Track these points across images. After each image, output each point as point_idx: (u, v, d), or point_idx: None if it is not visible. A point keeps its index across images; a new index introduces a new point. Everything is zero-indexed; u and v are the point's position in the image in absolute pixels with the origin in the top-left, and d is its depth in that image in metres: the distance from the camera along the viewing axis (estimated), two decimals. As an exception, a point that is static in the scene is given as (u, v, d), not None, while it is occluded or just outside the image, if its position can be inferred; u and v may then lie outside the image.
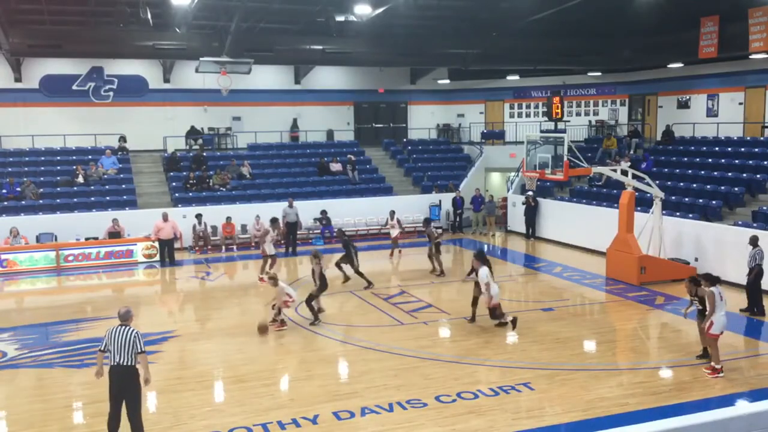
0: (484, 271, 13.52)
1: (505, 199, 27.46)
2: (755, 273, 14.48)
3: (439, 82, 31.60)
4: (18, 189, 23.04)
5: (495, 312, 13.62)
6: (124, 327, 8.70)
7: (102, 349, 8.71)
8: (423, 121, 32.27)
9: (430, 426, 9.39)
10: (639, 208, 18.88)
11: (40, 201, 23.07)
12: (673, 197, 20.34)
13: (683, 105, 26.43)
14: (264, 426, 9.39)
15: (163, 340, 13.50)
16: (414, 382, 10.91)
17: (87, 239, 21.39)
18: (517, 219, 26.00)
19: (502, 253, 23.48)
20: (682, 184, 21.44)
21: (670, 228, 18.48)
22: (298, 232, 23.28)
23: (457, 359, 12.04)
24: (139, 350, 8.57)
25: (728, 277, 15.75)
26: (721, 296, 11.11)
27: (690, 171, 22.17)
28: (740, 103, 24.17)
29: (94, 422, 9.64)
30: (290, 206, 22.79)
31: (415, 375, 11.28)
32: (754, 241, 14.71)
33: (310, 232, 24.60)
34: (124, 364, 8.52)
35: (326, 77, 30.32)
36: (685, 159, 23.32)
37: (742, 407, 8.79)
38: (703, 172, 21.63)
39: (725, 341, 11.67)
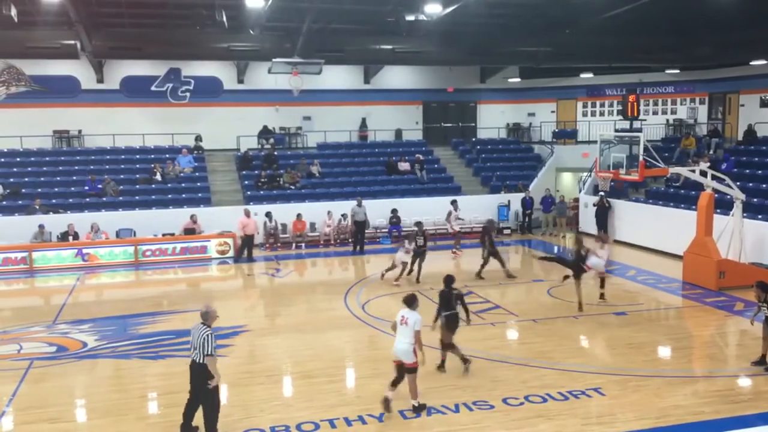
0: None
1: (576, 200, 26.92)
2: None
3: (510, 80, 31.20)
4: (99, 186, 24.01)
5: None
6: (202, 325, 8.86)
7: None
8: (492, 120, 31.93)
9: (496, 428, 9.29)
10: (718, 211, 18.19)
11: (120, 198, 23.99)
12: (755, 199, 19.52)
13: (766, 104, 25.29)
14: (331, 422, 9.48)
15: (235, 334, 13.80)
16: (481, 384, 10.82)
17: (164, 235, 22.09)
18: (588, 220, 25.43)
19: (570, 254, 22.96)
20: (764, 185, 20.57)
21: (751, 231, 17.75)
22: (366, 231, 23.46)
23: (526, 362, 11.87)
24: (207, 352, 8.69)
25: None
26: None
27: (774, 172, 21.24)
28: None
29: (168, 412, 9.95)
30: (359, 205, 22.97)
31: (482, 376, 11.18)
32: None
33: (378, 231, 24.70)
34: (198, 361, 8.75)
35: (395, 77, 30.39)
36: (768, 159, 22.35)
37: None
38: (788, 174, 20.70)
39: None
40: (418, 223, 19.42)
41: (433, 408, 9.90)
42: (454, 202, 23.35)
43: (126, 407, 10.22)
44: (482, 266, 18.56)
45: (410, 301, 10.16)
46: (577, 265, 15.31)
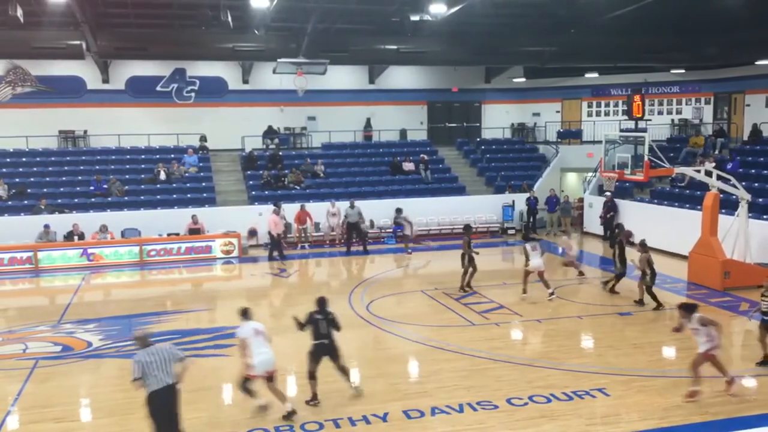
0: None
1: (581, 200, 26.88)
2: None
3: (515, 80, 31.17)
4: (105, 186, 24.09)
5: None
6: (161, 345, 8.60)
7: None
8: (497, 120, 31.91)
9: (500, 428, 9.29)
10: (723, 211, 18.14)
11: (125, 198, 24.06)
12: (760, 199, 19.46)
13: (772, 103, 25.22)
14: (335, 422, 9.50)
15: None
16: (485, 384, 10.82)
17: (169, 235, 22.14)
18: (592, 220, 25.40)
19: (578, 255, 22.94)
20: (770, 185, 20.50)
21: (756, 231, 17.69)
22: (371, 231, 23.49)
23: (530, 362, 11.87)
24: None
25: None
26: None
27: (779, 172, 21.17)
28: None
29: (172, 412, 9.97)
30: (351, 207, 22.95)
31: (486, 376, 11.18)
32: None
33: (382, 231, 24.70)
34: (172, 383, 8.40)
35: (400, 77, 30.40)
36: (774, 159, 22.27)
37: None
38: (793, 174, 20.62)
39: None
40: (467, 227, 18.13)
41: (437, 408, 9.90)
42: (399, 210, 23.63)
43: (131, 407, 10.22)
44: (465, 276, 17.13)
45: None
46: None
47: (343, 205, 23.76)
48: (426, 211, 25.54)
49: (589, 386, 10.64)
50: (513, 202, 26.28)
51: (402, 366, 11.96)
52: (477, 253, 17.02)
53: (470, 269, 17.02)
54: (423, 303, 16.20)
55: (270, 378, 9.85)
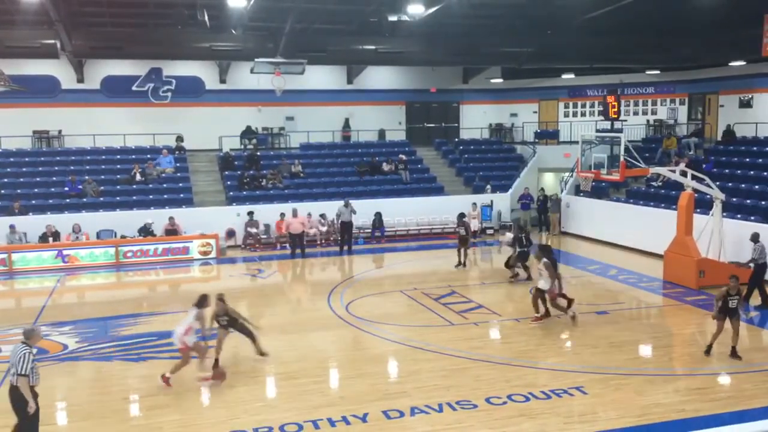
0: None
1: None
2: (759, 268, 15.16)
3: (492, 81, 31.32)
4: (80, 187, 23.80)
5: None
6: (22, 344, 8.32)
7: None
8: (475, 120, 32.03)
9: (479, 427, 9.32)
10: (698, 210, 18.38)
11: (101, 198, 23.78)
12: (734, 199, 19.74)
13: (745, 104, 25.58)
14: (314, 423, 9.47)
15: (217, 335, 13.69)
16: (464, 383, 10.85)
17: (140, 230, 21.94)
18: (571, 220, 25.61)
19: (555, 254, 23.10)
20: (743, 185, 20.80)
21: (730, 230, 17.91)
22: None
23: (509, 361, 11.93)
24: (21, 371, 8.09)
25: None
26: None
27: (752, 172, 21.49)
28: (806, 102, 23.31)
29: (150, 414, 9.91)
30: (345, 205, 22.94)
31: (465, 376, 11.21)
32: (755, 238, 15.42)
33: (361, 231, 24.68)
34: (14, 384, 8.19)
35: (378, 77, 30.39)
36: (747, 159, 22.61)
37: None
38: (766, 173, 20.95)
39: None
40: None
41: (416, 408, 9.91)
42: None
43: (107, 410, 10.14)
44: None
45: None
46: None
47: (320, 210, 23.72)
48: (404, 212, 25.57)
49: (567, 385, 10.71)
50: (491, 202, 26.40)
51: (381, 366, 11.96)
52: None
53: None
54: (402, 303, 16.21)
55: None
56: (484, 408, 9.91)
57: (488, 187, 27.12)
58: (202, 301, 11.29)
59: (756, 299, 15.16)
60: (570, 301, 14.28)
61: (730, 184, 20.66)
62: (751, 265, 15.30)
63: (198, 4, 21.65)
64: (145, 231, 22.10)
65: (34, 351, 8.50)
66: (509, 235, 19.11)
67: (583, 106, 30.91)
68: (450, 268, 19.72)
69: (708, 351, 12.03)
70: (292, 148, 29.12)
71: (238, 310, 16.78)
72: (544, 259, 14.03)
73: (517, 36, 25.08)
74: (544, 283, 13.99)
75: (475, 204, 24.95)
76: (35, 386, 8.37)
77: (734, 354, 11.78)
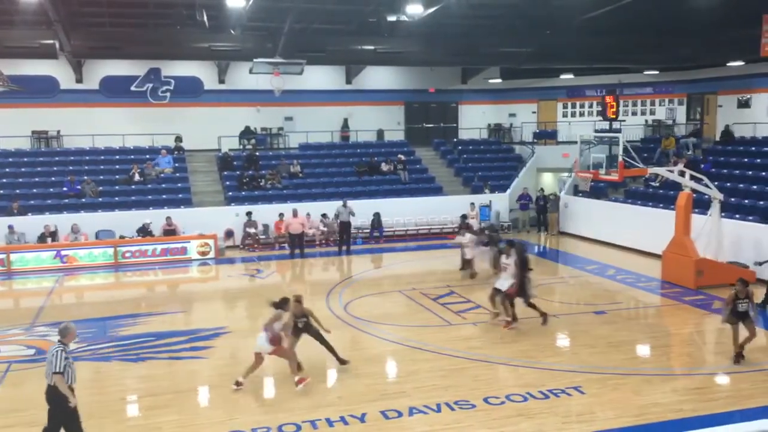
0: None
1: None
2: None
3: (491, 81, 31.34)
4: (78, 187, 23.79)
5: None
6: (58, 343, 8.39)
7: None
8: (474, 120, 32.05)
9: (478, 427, 9.34)
10: (697, 210, 18.40)
11: (100, 199, 23.78)
12: (733, 199, 19.76)
13: (744, 104, 25.61)
14: (312, 423, 9.48)
15: (215, 336, 13.76)
16: (462, 383, 10.87)
17: (138, 230, 21.96)
18: (570, 220, 25.64)
19: (553, 254, 23.18)
20: (741, 185, 20.81)
21: (728, 230, 17.95)
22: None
23: (507, 361, 11.94)
24: (54, 369, 8.12)
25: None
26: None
27: (750, 172, 21.51)
28: (804, 102, 23.34)
29: (149, 414, 9.93)
30: (344, 206, 22.95)
31: (463, 376, 11.23)
32: None
33: (359, 231, 24.69)
34: (49, 383, 8.24)
35: (377, 77, 30.41)
36: (746, 160, 22.63)
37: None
38: (764, 173, 20.96)
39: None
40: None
41: (415, 408, 9.93)
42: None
43: (106, 410, 10.14)
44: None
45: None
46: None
47: (319, 210, 23.69)
48: (403, 212, 25.58)
49: (564, 384, 10.73)
50: (490, 202, 26.41)
51: (380, 366, 11.97)
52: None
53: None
54: (401, 303, 16.22)
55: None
56: (483, 408, 9.93)
57: (486, 188, 27.14)
58: (282, 303, 11.14)
59: (759, 297, 14.91)
60: (534, 307, 13.83)
61: (728, 184, 20.68)
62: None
63: (197, 4, 21.65)
64: (144, 231, 22.11)
65: (69, 349, 8.51)
66: (469, 236, 18.93)
67: (582, 106, 30.94)
68: (449, 268, 19.71)
69: (737, 359, 11.64)
70: (291, 148, 29.12)
71: (237, 310, 16.92)
72: (514, 257, 13.72)
73: (516, 36, 25.09)
74: (502, 282, 13.79)
75: (473, 204, 24.97)
76: (73, 384, 8.38)
77: (738, 358, 11.65)
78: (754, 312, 11.87)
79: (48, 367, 8.20)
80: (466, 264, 18.92)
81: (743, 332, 11.70)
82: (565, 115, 31.28)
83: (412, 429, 9.36)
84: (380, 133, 30.69)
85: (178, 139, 27.48)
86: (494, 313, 14.19)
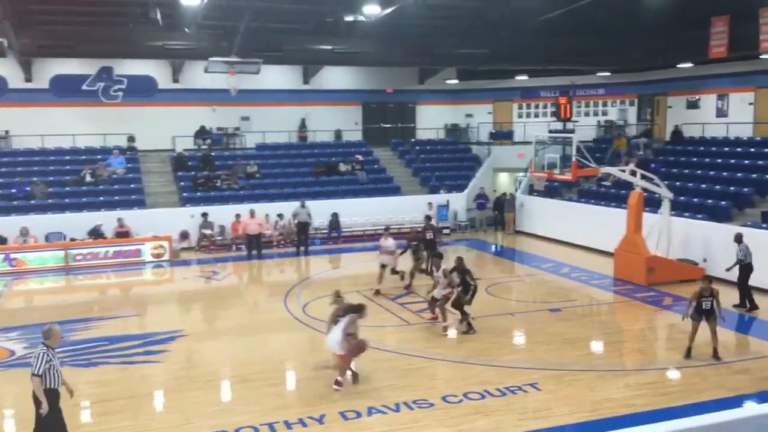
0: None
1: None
2: (745, 269, 15.03)
3: (448, 82, 31.55)
4: (28, 188, 23.17)
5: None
6: (41, 345, 8.22)
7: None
8: (431, 121, 32.22)
9: (436, 426, 9.38)
10: (648, 209, 18.79)
11: (50, 200, 23.20)
12: (682, 198, 20.24)
13: (693, 105, 26.28)
14: (271, 426, 9.40)
15: (170, 339, 13.53)
16: (421, 383, 10.91)
17: (89, 233, 21.49)
18: (525, 219, 25.97)
19: (509, 253, 23.44)
20: (690, 184, 21.34)
21: (678, 229, 18.39)
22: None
23: (464, 360, 12.03)
24: (33, 371, 8.04)
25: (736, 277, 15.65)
26: None
27: (699, 171, 22.07)
28: (750, 104, 24.01)
29: (101, 420, 9.73)
30: (302, 206, 22.82)
31: (421, 375, 11.28)
32: (739, 239, 15.28)
33: (318, 232, 24.60)
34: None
35: (335, 77, 30.34)
36: (695, 159, 23.21)
37: (751, 409, 8.74)
38: (712, 173, 21.53)
39: (730, 341, 11.66)
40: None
41: (373, 408, 9.93)
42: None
43: (57, 417, 9.89)
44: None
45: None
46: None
47: (277, 210, 23.53)
48: (361, 212, 25.57)
49: (521, 382, 10.86)
50: (447, 201, 26.58)
51: (338, 367, 11.93)
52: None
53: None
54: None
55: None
56: (441, 406, 9.98)
57: (443, 189, 27.29)
58: (359, 309, 11.07)
59: (734, 298, 15.12)
60: (464, 315, 13.67)
61: (678, 184, 21.18)
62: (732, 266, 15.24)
63: (151, 2, 21.26)
64: (96, 233, 21.65)
65: (53, 350, 8.31)
66: (392, 241, 17.63)
67: (537, 107, 31.36)
68: (407, 267, 19.71)
69: (688, 354, 11.88)
70: (248, 148, 28.85)
71: (193, 313, 16.69)
72: (443, 268, 13.76)
73: (473, 38, 25.27)
74: (438, 292, 13.75)
75: (431, 203, 25.07)
76: (56, 387, 8.22)
77: (715, 355, 11.77)
78: (719, 313, 11.87)
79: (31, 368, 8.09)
80: (392, 270, 17.62)
81: (704, 330, 11.86)
82: (520, 116, 31.65)
83: (371, 429, 9.36)
84: (338, 134, 30.62)
85: (131, 139, 26.97)
86: (432, 318, 14.18)
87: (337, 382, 10.72)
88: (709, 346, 11.86)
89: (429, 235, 19.04)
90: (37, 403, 8.09)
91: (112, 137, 26.73)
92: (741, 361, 11.88)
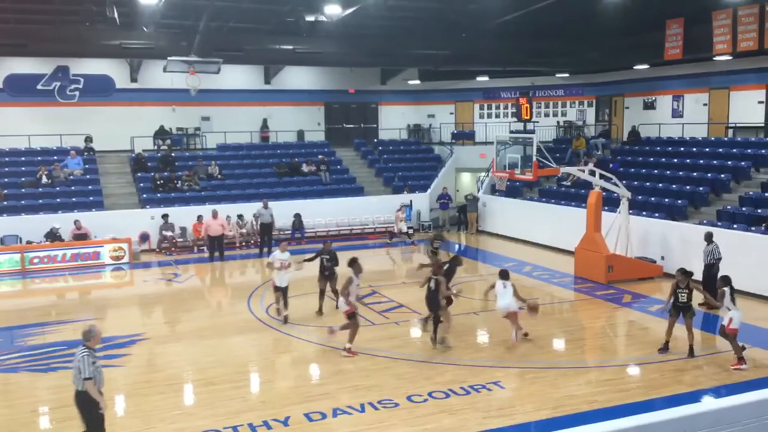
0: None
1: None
2: (715, 268, 14.93)
3: (410, 82, 31.67)
4: (-19, 190, 22.58)
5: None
6: (81, 347, 8.09)
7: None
8: (394, 121, 32.30)
9: (401, 426, 9.41)
10: (606, 208, 19.11)
11: (5, 203, 22.61)
12: (640, 197, 20.63)
13: (649, 106, 26.84)
14: (234, 429, 9.32)
15: (131, 343, 13.32)
16: (386, 383, 10.93)
17: (46, 235, 21.03)
18: (488, 218, 26.19)
19: (472, 252, 23.61)
20: (648, 183, 21.76)
21: (636, 227, 18.74)
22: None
23: (429, 359, 12.08)
24: (84, 375, 7.93)
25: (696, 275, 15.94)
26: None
27: (656, 171, 22.52)
28: (704, 104, 24.61)
29: (61, 427, 9.51)
30: (265, 207, 22.66)
31: (386, 375, 11.29)
32: (708, 238, 15.35)
33: (281, 233, 24.44)
34: (79, 389, 8.06)
35: (296, 77, 30.19)
36: (651, 159, 23.67)
37: (708, 403, 8.95)
38: (668, 172, 21.98)
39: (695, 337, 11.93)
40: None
41: (339, 409, 9.91)
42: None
43: (16, 423, 9.67)
44: None
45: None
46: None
47: (238, 211, 23.28)
48: (324, 213, 25.51)
49: (485, 380, 10.95)
50: (411, 201, 26.67)
51: (303, 368, 11.90)
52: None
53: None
54: (324, 304, 16.12)
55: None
56: (406, 406, 10.01)
57: (406, 189, 27.37)
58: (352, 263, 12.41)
59: (700, 297, 15.01)
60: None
61: (635, 183, 21.58)
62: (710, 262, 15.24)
63: (107, 1, 20.91)
64: (52, 236, 21.18)
65: (95, 352, 8.19)
66: (279, 256, 15.22)
67: (498, 107, 31.66)
68: (371, 269, 19.71)
69: (665, 347, 12.03)
70: (209, 148, 28.54)
71: (154, 316, 16.44)
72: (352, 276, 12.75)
73: (433, 38, 25.44)
74: (344, 303, 12.66)
75: (403, 206, 25.06)
76: (101, 387, 8.12)
77: (691, 353, 11.86)
78: (691, 311, 12.00)
79: (75, 372, 7.99)
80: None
81: (680, 326, 12.01)
82: (481, 116, 31.92)
83: (337, 430, 9.35)
84: (300, 134, 30.49)
85: (88, 139, 26.46)
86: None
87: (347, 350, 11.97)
88: (684, 342, 11.98)
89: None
90: (89, 405, 8.02)
91: (68, 138, 26.19)
92: (703, 356, 12.09)
